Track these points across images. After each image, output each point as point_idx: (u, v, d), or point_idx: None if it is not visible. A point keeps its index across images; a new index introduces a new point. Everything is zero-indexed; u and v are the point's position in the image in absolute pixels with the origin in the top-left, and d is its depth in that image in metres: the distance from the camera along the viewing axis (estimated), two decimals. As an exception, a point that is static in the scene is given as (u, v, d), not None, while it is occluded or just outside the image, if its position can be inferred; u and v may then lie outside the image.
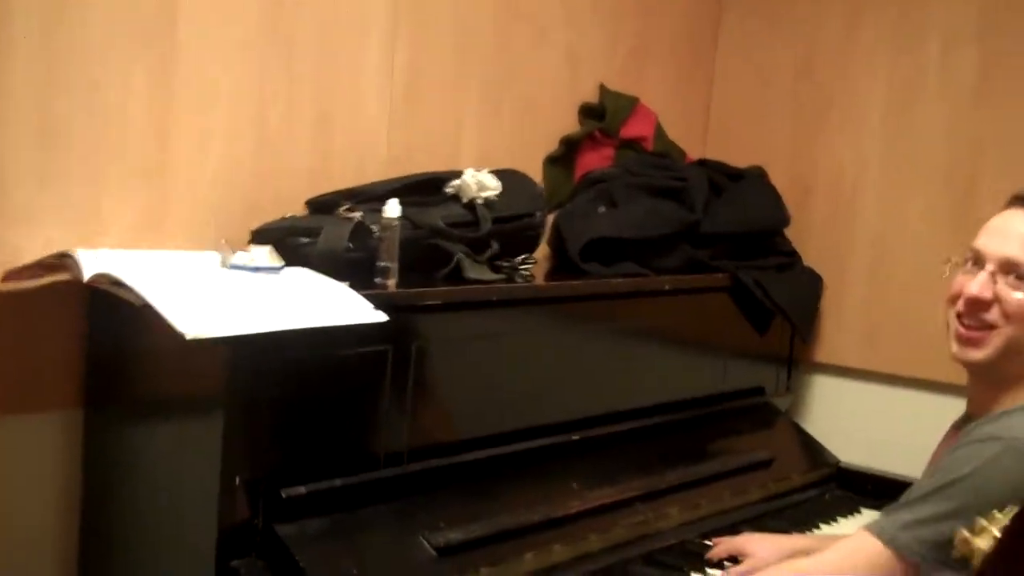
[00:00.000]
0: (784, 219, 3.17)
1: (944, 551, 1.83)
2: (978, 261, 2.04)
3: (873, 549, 1.95)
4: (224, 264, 2.03)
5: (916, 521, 1.92)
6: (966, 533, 1.56)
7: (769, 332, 3.13)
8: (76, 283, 1.94)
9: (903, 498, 2.03)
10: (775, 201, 3.18)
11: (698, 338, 2.92)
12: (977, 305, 2.01)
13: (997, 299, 1.99)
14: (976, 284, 2.01)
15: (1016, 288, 1.98)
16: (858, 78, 3.26)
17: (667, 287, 2.76)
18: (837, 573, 1.93)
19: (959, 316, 2.05)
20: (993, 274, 2.00)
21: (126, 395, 2.12)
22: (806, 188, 3.32)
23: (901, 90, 3.17)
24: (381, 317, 1.91)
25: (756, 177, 3.22)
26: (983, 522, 1.57)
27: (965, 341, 2.04)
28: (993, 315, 2.00)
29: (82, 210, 2.09)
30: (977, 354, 2.03)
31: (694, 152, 3.41)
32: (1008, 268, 2.00)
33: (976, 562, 1.59)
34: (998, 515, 1.62)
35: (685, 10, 3.44)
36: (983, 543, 1.52)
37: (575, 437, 2.49)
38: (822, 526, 2.71)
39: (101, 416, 2.14)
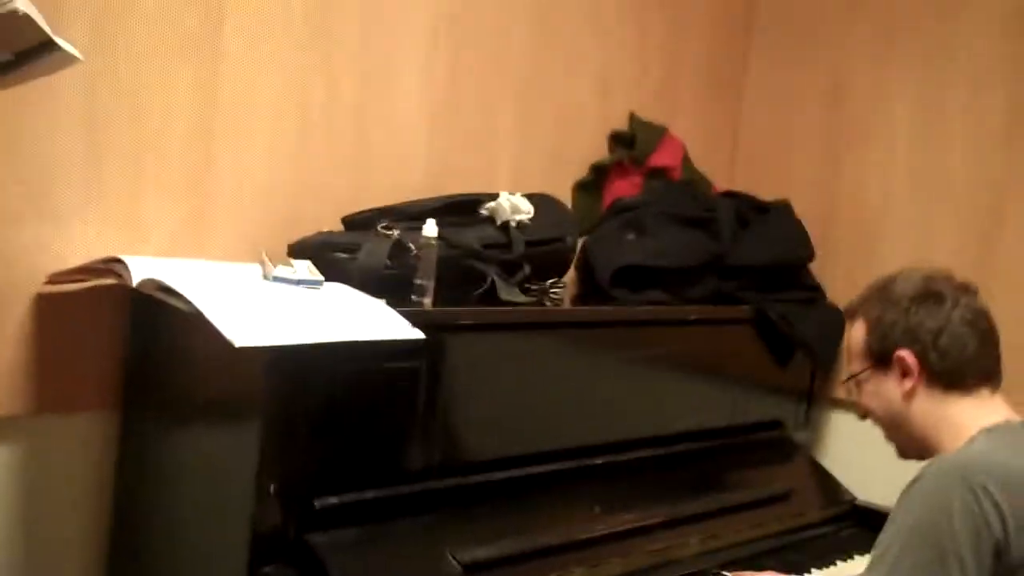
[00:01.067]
0: (809, 254, 3.19)
1: None
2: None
3: None
4: (266, 276, 2.05)
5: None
6: None
7: (789, 366, 3.14)
8: (120, 288, 1.97)
9: (872, 553, 1.92)
10: (801, 235, 3.20)
11: (720, 369, 2.93)
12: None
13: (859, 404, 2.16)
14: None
15: (861, 390, 2.13)
16: (886, 110, 3.26)
17: (693, 317, 2.79)
18: None
19: None
20: (849, 389, 2.18)
21: (164, 399, 2.14)
22: (830, 221, 3.33)
23: (928, 125, 3.18)
24: (418, 335, 1.93)
25: (782, 210, 3.23)
26: None
27: None
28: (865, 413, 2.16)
29: (123, 217, 2.13)
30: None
31: (721, 181, 3.43)
32: (853, 378, 2.15)
33: None
34: None
35: (714, 39, 3.47)
36: None
37: (598, 461, 2.51)
38: (839, 563, 2.72)
39: (138, 418, 2.17)
